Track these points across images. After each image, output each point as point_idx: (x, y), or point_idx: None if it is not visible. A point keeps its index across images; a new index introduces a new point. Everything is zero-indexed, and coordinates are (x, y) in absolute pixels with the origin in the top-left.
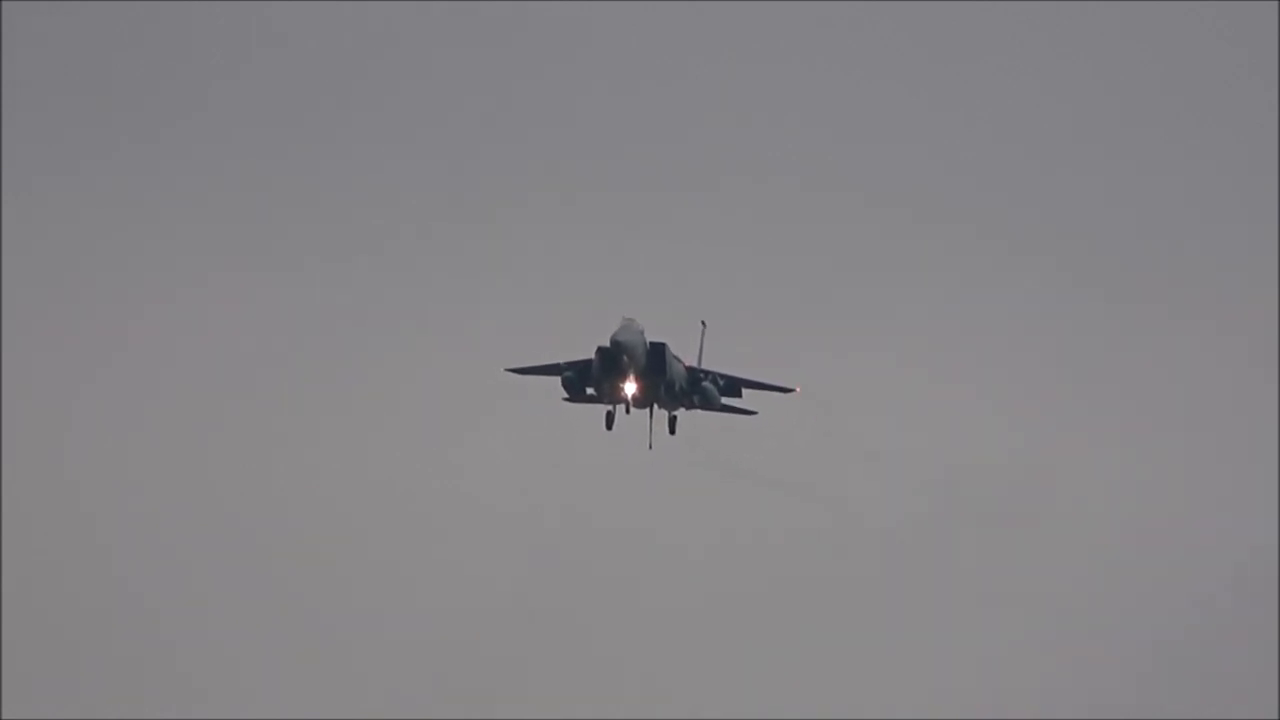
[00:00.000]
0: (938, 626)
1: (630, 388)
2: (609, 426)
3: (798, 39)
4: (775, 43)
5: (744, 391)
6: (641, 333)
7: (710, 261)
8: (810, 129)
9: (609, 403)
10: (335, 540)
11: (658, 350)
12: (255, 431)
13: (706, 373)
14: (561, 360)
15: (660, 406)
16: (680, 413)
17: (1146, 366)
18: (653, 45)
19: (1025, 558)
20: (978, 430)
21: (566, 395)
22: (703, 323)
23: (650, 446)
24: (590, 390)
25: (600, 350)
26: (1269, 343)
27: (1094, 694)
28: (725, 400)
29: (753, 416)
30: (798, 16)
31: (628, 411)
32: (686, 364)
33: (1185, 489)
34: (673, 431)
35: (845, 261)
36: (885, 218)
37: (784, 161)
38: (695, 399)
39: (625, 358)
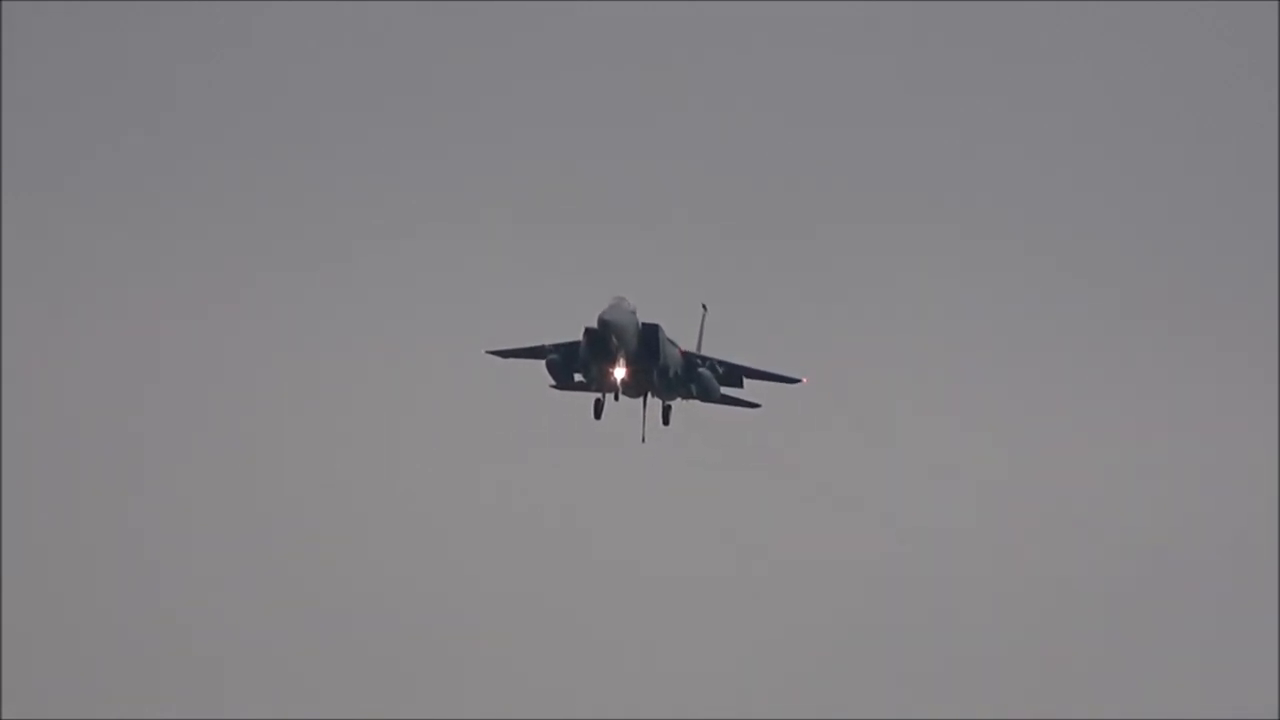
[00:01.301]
0: (938, 626)
1: (620, 373)
2: (597, 416)
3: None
4: (789, 24)
5: (746, 382)
6: (633, 313)
7: (711, 240)
8: (809, 114)
9: (598, 389)
10: (307, 542)
11: (650, 332)
12: (227, 425)
13: (704, 359)
14: (546, 342)
15: (654, 395)
16: (676, 403)
17: (1151, 369)
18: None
19: (1026, 556)
20: (984, 422)
21: (553, 381)
22: (703, 305)
23: (643, 439)
24: (578, 376)
25: (588, 331)
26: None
27: (1094, 695)
28: (725, 391)
29: (756, 410)
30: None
31: (616, 398)
32: (683, 350)
33: (1183, 491)
34: (666, 422)
35: (856, 244)
36: (892, 206)
37: (791, 138)
38: (692, 388)
39: (614, 339)
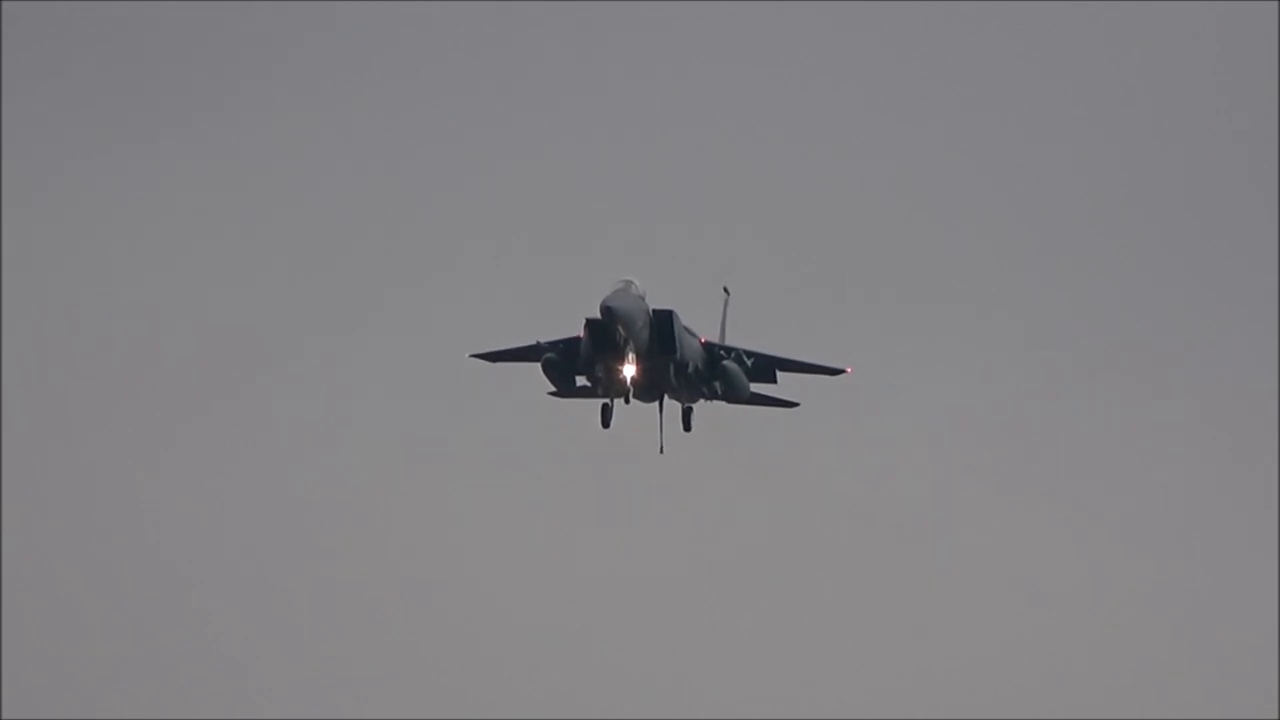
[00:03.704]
0: (956, 638)
1: (629, 370)
2: (605, 424)
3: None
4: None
5: (781, 376)
6: (642, 298)
7: (731, 212)
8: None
9: (604, 393)
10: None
11: (664, 320)
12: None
13: (729, 350)
14: (541, 339)
15: (671, 396)
16: (699, 405)
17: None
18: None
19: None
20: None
21: (553, 388)
22: (725, 289)
23: (661, 449)
24: (582, 380)
25: (589, 323)
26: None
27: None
28: (755, 388)
29: (794, 409)
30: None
31: (626, 401)
32: (703, 339)
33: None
34: (688, 427)
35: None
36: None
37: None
38: (716, 385)
39: (620, 329)
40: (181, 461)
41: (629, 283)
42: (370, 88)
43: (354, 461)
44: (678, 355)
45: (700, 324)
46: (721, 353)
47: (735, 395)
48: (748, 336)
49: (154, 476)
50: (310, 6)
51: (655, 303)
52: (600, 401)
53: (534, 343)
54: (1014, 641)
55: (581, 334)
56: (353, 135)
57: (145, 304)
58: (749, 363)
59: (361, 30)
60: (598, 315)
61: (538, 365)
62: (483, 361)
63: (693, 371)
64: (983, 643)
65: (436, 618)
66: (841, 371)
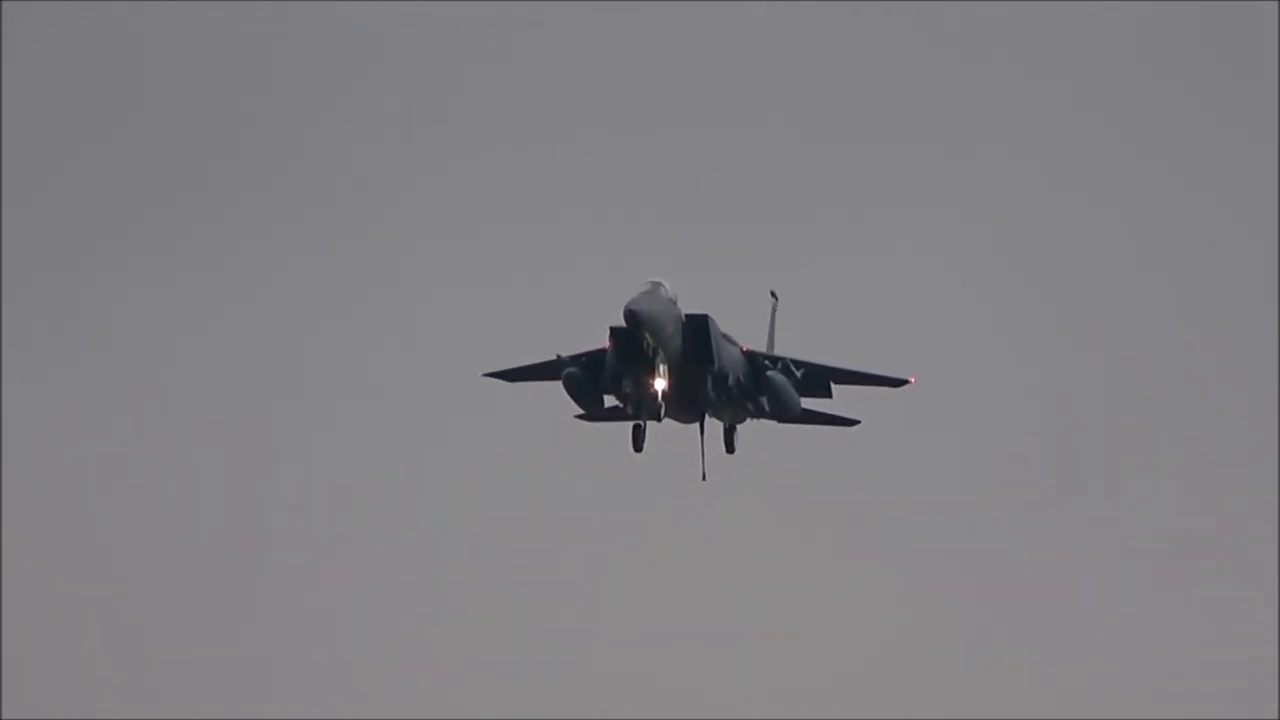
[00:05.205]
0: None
1: (660, 383)
2: (638, 447)
3: None
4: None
5: (836, 389)
6: (673, 301)
7: (778, 207)
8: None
9: (636, 412)
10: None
11: (698, 326)
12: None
13: (776, 360)
14: (563, 353)
15: (712, 414)
16: (745, 423)
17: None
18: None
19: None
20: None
21: (579, 410)
22: (772, 293)
23: (703, 476)
24: (611, 398)
25: (614, 331)
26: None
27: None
28: (807, 403)
29: (854, 428)
30: None
31: (659, 419)
32: (745, 348)
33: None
34: (731, 448)
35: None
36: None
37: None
38: (762, 401)
39: (649, 337)
40: (194, 488)
41: (658, 284)
42: (376, 91)
43: (361, 498)
44: (715, 366)
45: (743, 333)
46: (766, 363)
47: (784, 412)
48: (798, 346)
49: (165, 500)
50: (314, 7)
51: (689, 307)
52: (632, 422)
53: (555, 357)
54: (1082, 676)
55: (607, 344)
56: (356, 138)
57: (152, 323)
58: (798, 374)
59: (368, 36)
60: (623, 322)
61: (558, 383)
62: (499, 381)
63: (734, 384)
64: (1050, 682)
65: (457, 663)
66: (905, 382)
